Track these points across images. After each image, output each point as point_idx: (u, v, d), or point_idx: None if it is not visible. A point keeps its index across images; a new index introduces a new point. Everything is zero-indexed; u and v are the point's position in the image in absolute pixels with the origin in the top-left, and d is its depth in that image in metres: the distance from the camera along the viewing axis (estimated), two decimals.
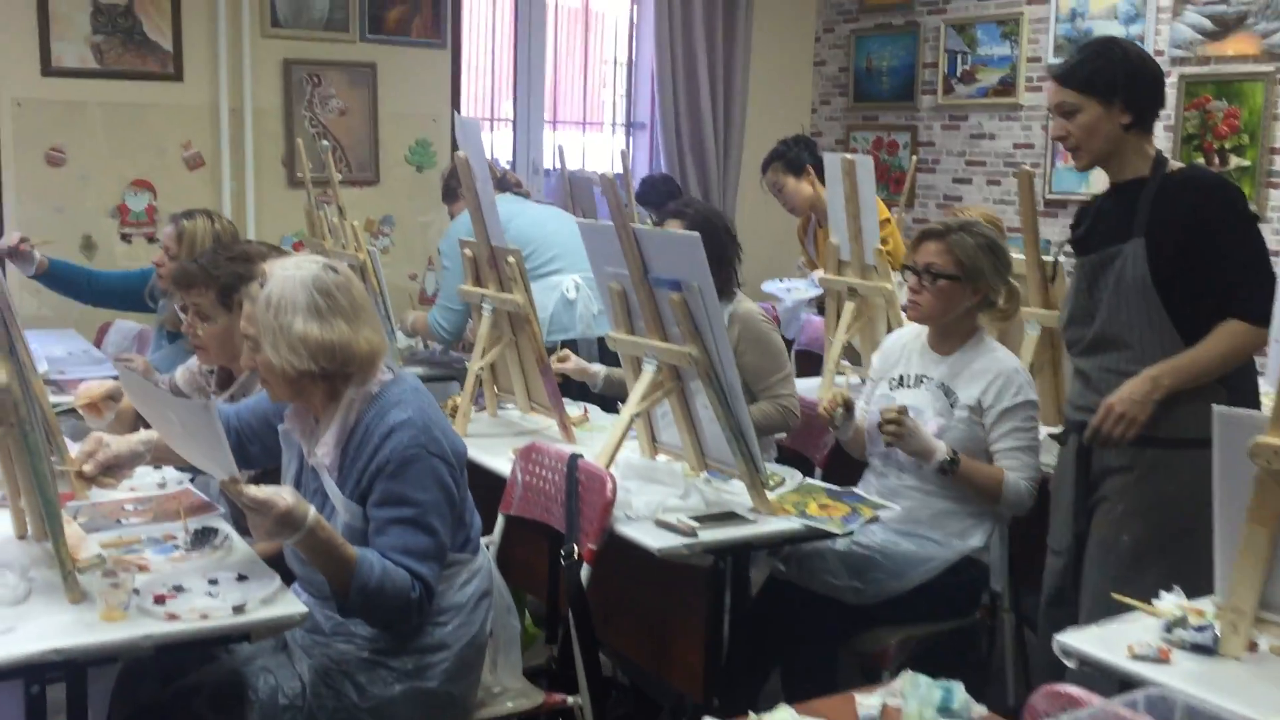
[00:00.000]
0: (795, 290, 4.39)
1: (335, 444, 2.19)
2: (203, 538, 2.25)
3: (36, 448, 1.93)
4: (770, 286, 4.46)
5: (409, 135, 5.54)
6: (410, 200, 5.56)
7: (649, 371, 2.62)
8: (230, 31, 5.02)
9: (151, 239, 4.99)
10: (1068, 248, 2.76)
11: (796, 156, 4.58)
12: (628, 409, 2.62)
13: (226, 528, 2.33)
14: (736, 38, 6.14)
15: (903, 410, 2.77)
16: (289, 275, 2.15)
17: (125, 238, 4.96)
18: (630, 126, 6.75)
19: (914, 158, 5.63)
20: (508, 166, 5.29)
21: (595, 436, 3.15)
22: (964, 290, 2.84)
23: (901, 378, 3.01)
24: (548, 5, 6.16)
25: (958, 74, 5.69)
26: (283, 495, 1.99)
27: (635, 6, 6.53)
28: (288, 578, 2.16)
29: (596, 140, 6.70)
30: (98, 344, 4.68)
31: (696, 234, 2.43)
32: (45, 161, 4.78)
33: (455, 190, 4.25)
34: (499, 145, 6.20)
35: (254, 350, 2.16)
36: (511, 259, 3.03)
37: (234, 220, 5.06)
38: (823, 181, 4.60)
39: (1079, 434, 2.55)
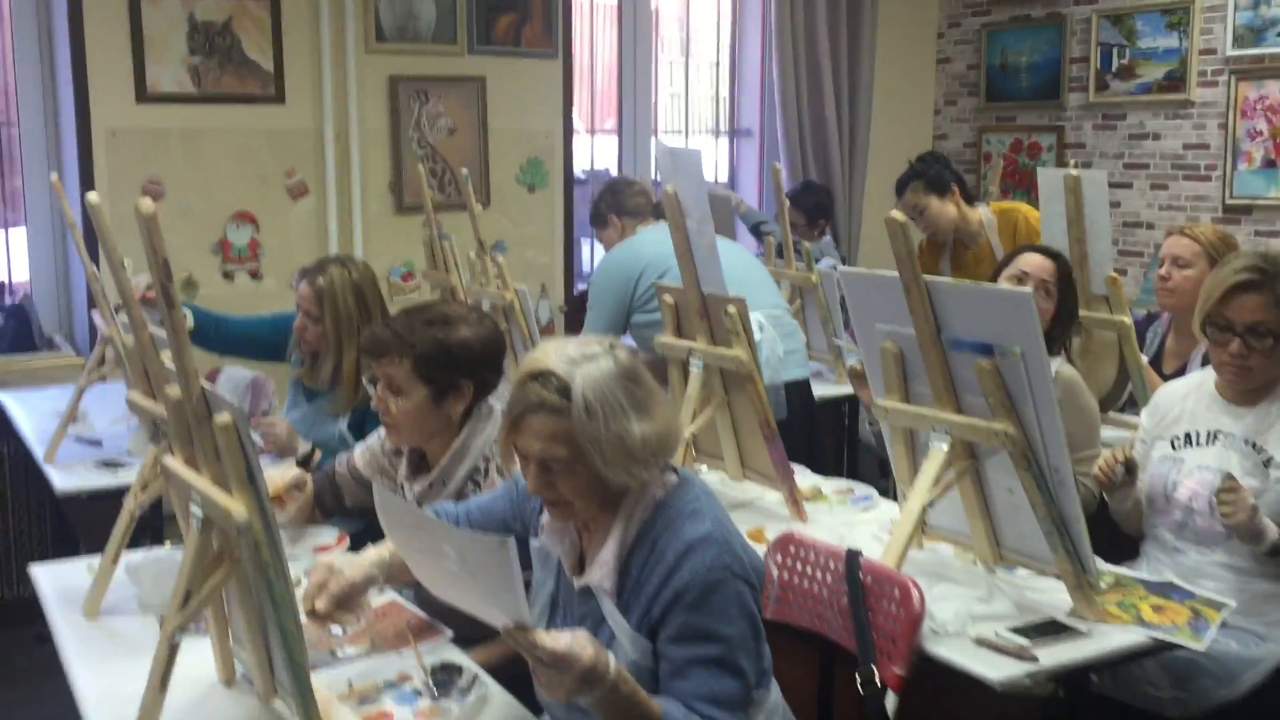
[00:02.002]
0: None
1: (614, 562, 1.78)
2: (447, 679, 1.84)
3: (284, 599, 1.52)
4: None
5: (521, 154, 5.12)
6: (522, 224, 5.15)
7: (940, 450, 2.18)
8: (334, 47, 4.62)
9: (255, 275, 4.60)
10: None
11: (938, 175, 4.15)
12: (917, 496, 2.18)
13: (467, 662, 1.92)
14: (862, 37, 5.70)
15: (1233, 479, 2.33)
16: (592, 374, 1.74)
17: (228, 275, 4.56)
18: (735, 134, 6.32)
19: (1073, 162, 5.18)
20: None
21: (827, 511, 2.72)
22: None
23: (1189, 435, 2.57)
24: (653, 8, 5.74)
25: (1113, 69, 5.22)
26: (584, 646, 1.58)
27: (737, 5, 6.11)
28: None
29: (699, 148, 6.28)
30: None
31: (1028, 291, 2.00)
32: (141, 193, 4.39)
33: (606, 216, 3.83)
34: (602, 158, 5.79)
35: (568, 473, 1.74)
36: (732, 309, 2.61)
37: (342, 250, 4.72)
38: (967, 200, 4.18)
39: None
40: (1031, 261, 2.97)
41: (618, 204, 3.79)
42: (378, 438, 2.58)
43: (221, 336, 3.50)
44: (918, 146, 6.18)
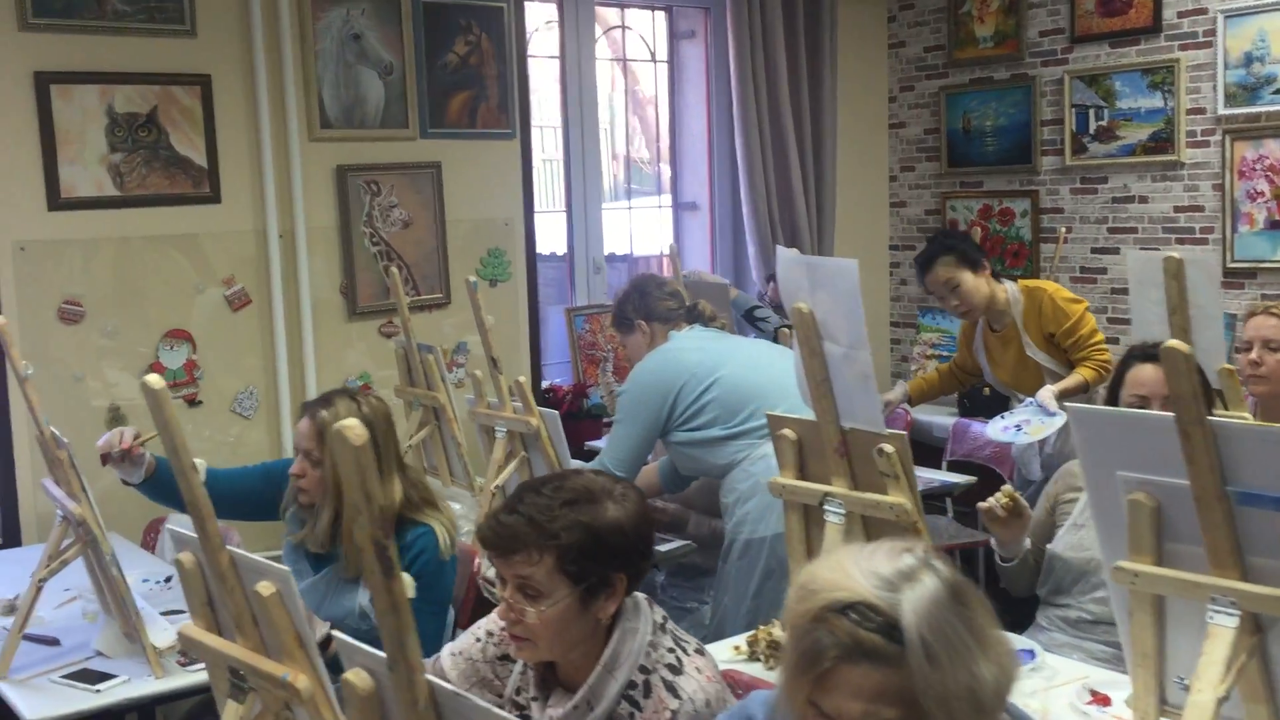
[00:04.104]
0: (1031, 425, 3.60)
1: None
2: None
3: None
4: (1000, 430, 3.66)
5: (480, 245, 4.62)
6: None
7: (1226, 627, 1.79)
8: (275, 137, 4.05)
9: (193, 401, 3.96)
10: None
11: (970, 249, 3.86)
12: (1208, 687, 1.78)
13: None
14: (823, 106, 5.39)
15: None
16: (923, 601, 1.29)
17: None
18: (678, 206, 5.95)
19: (1064, 229, 4.97)
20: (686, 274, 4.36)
21: None
22: None
23: None
24: (598, 79, 5.35)
25: (1091, 130, 5.03)
26: None
27: (672, 73, 5.77)
28: None
29: (642, 222, 5.89)
30: (150, 547, 3.66)
31: None
32: (58, 318, 3.72)
33: (633, 321, 3.37)
34: (549, 238, 5.34)
35: None
36: (890, 448, 2.18)
37: (291, 366, 4.14)
38: (995, 277, 3.90)
39: None
40: (1147, 380, 2.66)
41: (646, 308, 3.33)
42: (474, 639, 2.05)
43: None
44: (876, 214, 5.94)
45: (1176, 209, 4.82)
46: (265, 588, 1.50)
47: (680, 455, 3.22)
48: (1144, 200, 4.92)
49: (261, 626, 1.57)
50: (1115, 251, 5.03)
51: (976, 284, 3.79)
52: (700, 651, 1.91)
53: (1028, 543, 2.77)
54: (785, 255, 2.25)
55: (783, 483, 2.40)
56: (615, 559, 1.83)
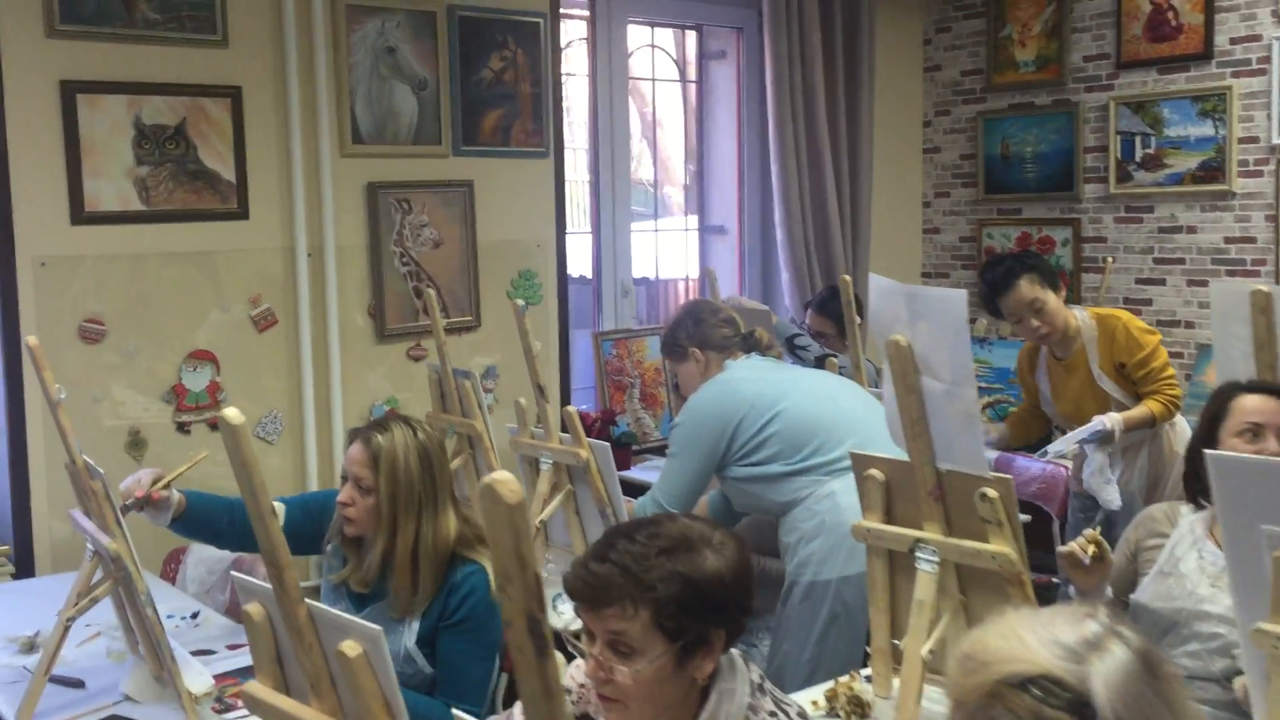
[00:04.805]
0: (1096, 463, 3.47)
1: None
2: None
3: None
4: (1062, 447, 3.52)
5: (511, 267, 4.48)
6: (515, 345, 4.46)
7: None
8: (306, 151, 3.90)
9: (216, 426, 3.80)
10: None
11: (1047, 268, 3.70)
12: None
13: None
14: (860, 130, 5.27)
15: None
16: (1113, 674, 1.14)
17: (182, 427, 3.75)
18: (705, 230, 5.81)
19: (1109, 259, 4.84)
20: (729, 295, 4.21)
21: None
22: None
23: None
24: (630, 102, 5.22)
25: (1137, 158, 4.91)
26: None
27: (703, 94, 5.65)
28: None
29: (667, 245, 5.75)
30: (171, 578, 3.49)
31: None
32: (79, 337, 3.56)
33: (686, 349, 3.22)
34: (575, 260, 5.20)
35: None
36: (993, 492, 2.03)
37: (317, 390, 3.98)
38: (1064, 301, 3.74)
39: None
40: (1261, 408, 2.50)
41: (701, 335, 3.18)
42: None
43: (237, 528, 2.72)
44: (909, 241, 5.81)
45: (1227, 240, 4.70)
46: (351, 648, 1.35)
47: (737, 491, 3.06)
48: (1192, 230, 4.79)
49: (341, 689, 1.41)
50: (1161, 283, 4.90)
51: (1058, 305, 3.64)
52: (803, 716, 1.76)
53: (1109, 591, 2.62)
54: (880, 284, 2.11)
55: (867, 526, 2.25)
56: (714, 613, 1.68)
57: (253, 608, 1.48)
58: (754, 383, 3.03)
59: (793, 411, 2.94)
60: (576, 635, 2.24)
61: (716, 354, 3.18)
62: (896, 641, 2.19)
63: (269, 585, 1.46)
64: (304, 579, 3.92)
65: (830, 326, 4.50)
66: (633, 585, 1.64)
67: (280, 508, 2.10)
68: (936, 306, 1.98)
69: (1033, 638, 1.18)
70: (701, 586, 1.66)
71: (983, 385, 5.00)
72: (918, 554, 2.16)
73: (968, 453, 2.04)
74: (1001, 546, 2.04)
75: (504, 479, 0.90)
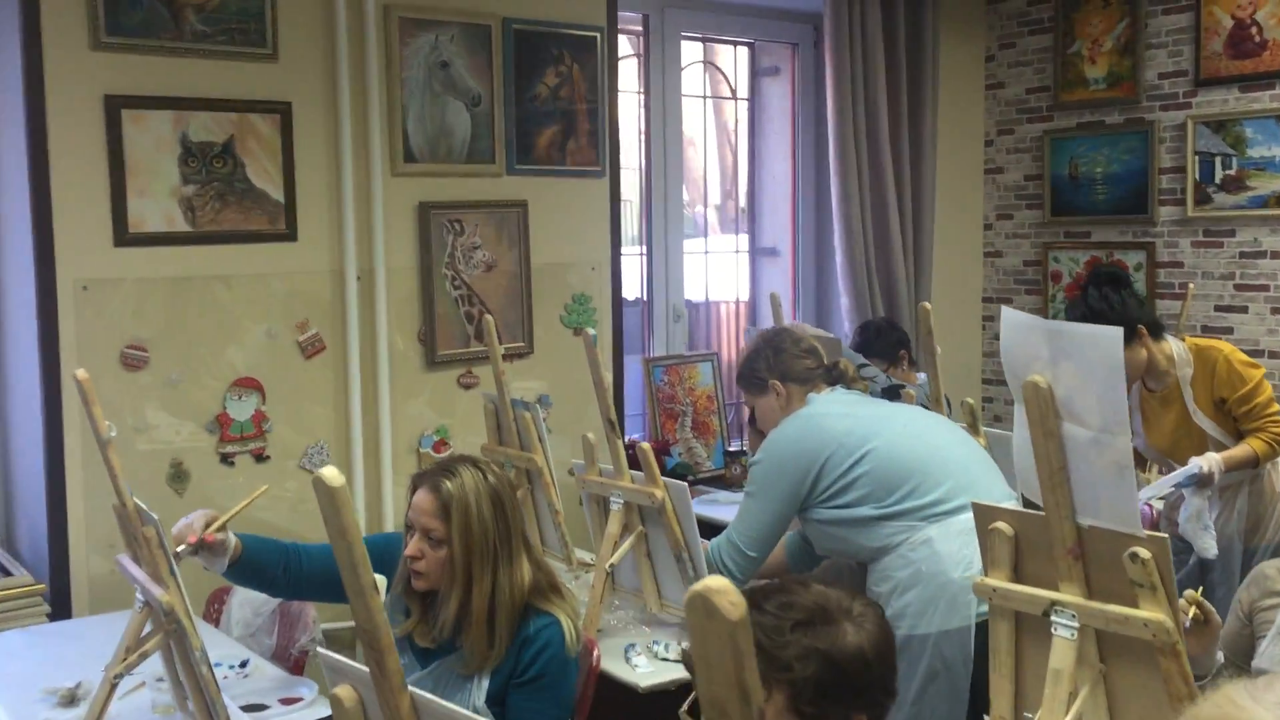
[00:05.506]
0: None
1: None
2: None
3: None
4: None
5: (564, 291, 4.29)
6: (568, 372, 4.30)
7: None
8: (357, 170, 3.74)
9: (261, 456, 3.62)
10: None
11: (1152, 317, 3.51)
12: None
13: None
14: (924, 151, 5.08)
15: None
16: None
17: (226, 459, 3.57)
18: (756, 252, 5.62)
19: (1190, 286, 4.61)
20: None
21: None
22: None
23: None
24: (684, 118, 5.04)
25: (1216, 179, 4.70)
26: None
27: (753, 111, 5.47)
28: None
29: (716, 268, 5.56)
30: (215, 621, 3.31)
31: None
32: (121, 364, 3.39)
33: (766, 381, 3.02)
34: (627, 283, 5.01)
35: None
36: (1145, 553, 1.82)
37: (365, 419, 3.80)
38: (1156, 334, 3.51)
39: None
40: None
41: (782, 367, 2.98)
42: None
43: (291, 575, 2.53)
44: (968, 264, 5.60)
45: None
46: None
47: (820, 533, 2.86)
48: (1277, 256, 4.56)
49: None
50: (1243, 310, 4.67)
51: (1130, 356, 3.40)
52: None
53: (1221, 657, 2.40)
54: (1016, 319, 1.91)
55: (993, 585, 2.04)
56: (857, 696, 1.48)
57: (344, 691, 1.29)
58: (842, 418, 2.83)
59: (885, 450, 2.74)
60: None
61: (799, 387, 2.98)
62: (1029, 715, 1.98)
63: (362, 667, 1.26)
64: (348, 619, 3.73)
65: (879, 364, 4.29)
66: (765, 664, 1.44)
67: (382, 581, 1.90)
68: (1086, 345, 1.78)
69: (1249, 701, 1.02)
70: (842, 665, 1.47)
71: None
72: (1054, 618, 1.95)
73: (1117, 507, 1.83)
74: (1155, 613, 1.83)
75: (722, 588, 0.71)
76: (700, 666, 0.73)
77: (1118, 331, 1.75)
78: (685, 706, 1.54)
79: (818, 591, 1.55)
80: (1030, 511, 1.99)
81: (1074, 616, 1.93)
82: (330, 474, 1.14)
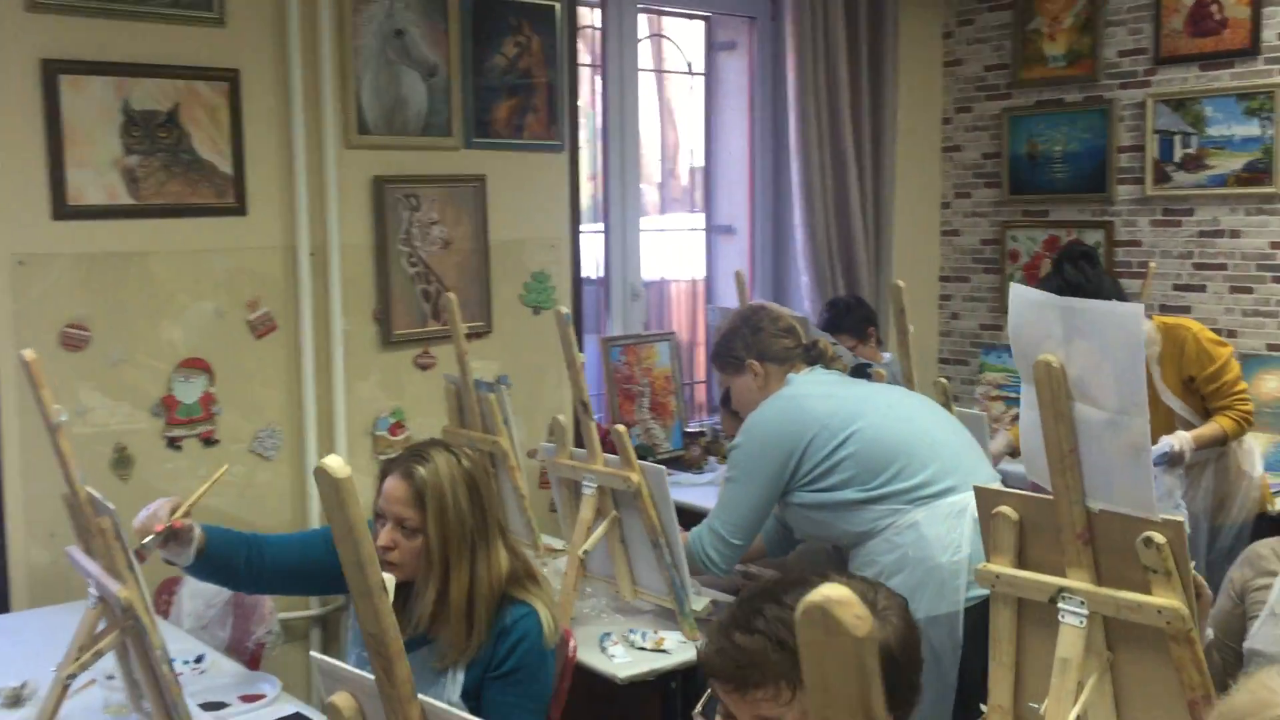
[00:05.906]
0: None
1: None
2: None
3: None
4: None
5: (523, 269, 4.17)
6: (527, 353, 4.18)
7: None
8: (309, 141, 3.58)
9: (209, 440, 3.47)
10: None
11: (1120, 290, 3.49)
12: None
13: None
14: (884, 128, 5.02)
15: None
16: None
17: (173, 443, 3.41)
18: (711, 230, 5.53)
19: (1151, 264, 4.60)
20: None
21: None
22: None
23: None
24: (640, 94, 4.93)
25: (1176, 158, 4.69)
26: None
27: (712, 87, 5.37)
28: None
29: (671, 246, 5.46)
30: (164, 613, 3.16)
31: None
32: (60, 344, 3.22)
33: (743, 360, 2.93)
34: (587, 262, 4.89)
35: None
36: (1160, 538, 1.76)
37: (319, 402, 3.66)
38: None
39: None
40: None
41: (760, 346, 2.90)
42: None
43: (254, 568, 2.40)
44: (926, 243, 5.56)
45: (1274, 245, 4.48)
46: None
47: (801, 518, 2.78)
48: (1235, 235, 4.57)
49: None
50: (1201, 289, 4.68)
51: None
52: None
53: (1210, 634, 2.37)
54: (1027, 296, 1.83)
55: (996, 571, 1.97)
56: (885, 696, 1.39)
57: (341, 699, 1.18)
58: (824, 399, 2.75)
59: (870, 432, 2.67)
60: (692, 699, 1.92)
61: (777, 367, 2.89)
62: (1034, 705, 1.92)
63: (363, 673, 1.15)
64: (304, 609, 3.60)
65: (847, 341, 4.24)
66: (789, 663, 1.36)
67: (391, 581, 1.77)
68: (1104, 323, 1.71)
69: None
70: None
71: (1012, 394, 4.76)
72: (1062, 605, 1.89)
73: (1132, 492, 1.77)
74: (1169, 600, 1.77)
75: (844, 599, 0.62)
76: (816, 689, 0.63)
77: (1138, 308, 1.68)
78: (699, 708, 1.45)
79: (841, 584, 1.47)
80: (1036, 495, 1.92)
81: (1083, 603, 1.87)
82: (335, 464, 1.03)
